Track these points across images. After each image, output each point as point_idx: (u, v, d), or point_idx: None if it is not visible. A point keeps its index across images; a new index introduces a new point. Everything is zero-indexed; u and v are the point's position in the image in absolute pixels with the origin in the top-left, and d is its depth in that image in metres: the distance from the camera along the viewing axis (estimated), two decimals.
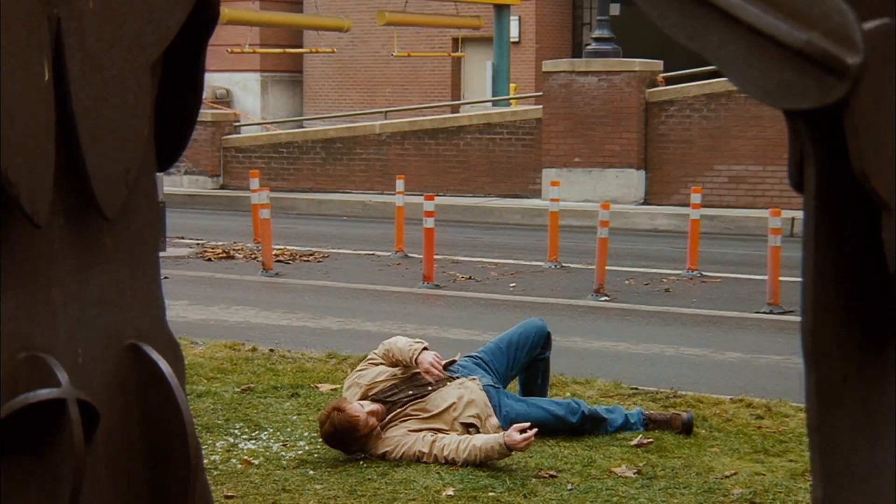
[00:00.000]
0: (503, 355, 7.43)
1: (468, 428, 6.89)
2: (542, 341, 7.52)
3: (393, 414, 6.89)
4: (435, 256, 14.03)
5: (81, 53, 2.78)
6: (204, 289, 13.44)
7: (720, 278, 14.21)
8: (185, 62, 3.14)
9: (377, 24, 29.58)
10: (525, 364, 7.50)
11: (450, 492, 6.27)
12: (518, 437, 6.50)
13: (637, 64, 21.41)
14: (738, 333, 11.10)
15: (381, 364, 7.09)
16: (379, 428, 6.81)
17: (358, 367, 7.26)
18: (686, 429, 7.27)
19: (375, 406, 6.83)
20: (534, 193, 21.87)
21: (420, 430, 6.85)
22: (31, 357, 2.74)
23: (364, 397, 6.97)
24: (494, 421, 6.97)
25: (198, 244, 17.09)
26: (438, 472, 6.56)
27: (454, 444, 6.71)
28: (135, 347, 3.01)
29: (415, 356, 6.95)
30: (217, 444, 7.08)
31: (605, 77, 21.28)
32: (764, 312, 12.01)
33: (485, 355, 7.43)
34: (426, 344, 7.09)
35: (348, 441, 6.76)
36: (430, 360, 6.95)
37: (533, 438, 6.52)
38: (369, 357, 7.21)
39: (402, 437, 6.82)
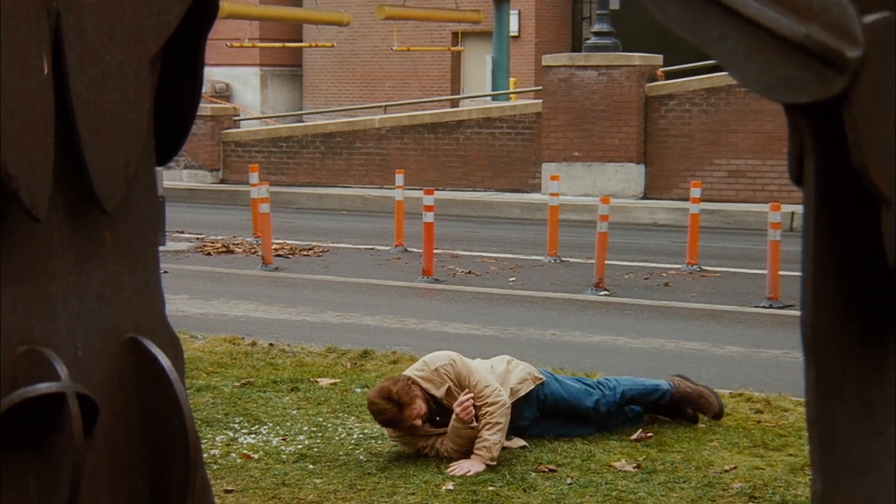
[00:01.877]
0: (555, 409, 7.26)
1: None
2: (586, 422, 7.27)
3: (427, 429, 6.84)
4: (434, 251, 14.02)
5: (80, 47, 2.78)
6: (203, 283, 13.44)
7: (720, 272, 14.21)
8: (185, 56, 3.14)
9: (377, 18, 29.57)
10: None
11: (449, 486, 6.27)
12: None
13: (637, 58, 21.39)
14: (737, 328, 11.10)
15: (455, 382, 6.85)
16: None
17: (460, 357, 6.93)
18: (717, 415, 7.34)
19: (420, 420, 6.74)
20: (533, 188, 21.87)
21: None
22: (31, 351, 2.74)
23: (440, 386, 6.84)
24: None
25: (197, 238, 17.09)
26: (438, 467, 6.57)
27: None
28: (134, 341, 3.00)
29: (480, 450, 6.62)
30: (217, 439, 7.09)
31: (604, 71, 21.27)
32: (763, 307, 12.01)
33: (549, 398, 7.15)
34: (494, 453, 6.64)
35: (383, 422, 6.78)
36: (463, 472, 6.55)
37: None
38: (474, 368, 6.87)
39: (414, 438, 6.82)
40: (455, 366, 6.85)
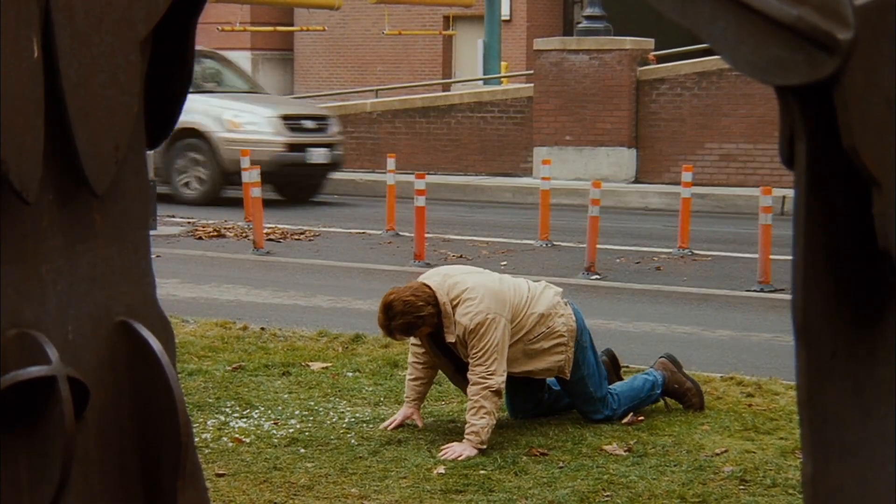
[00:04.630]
0: (552, 401, 7.27)
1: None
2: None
3: (431, 351, 6.88)
4: (426, 235, 14.02)
5: (70, 30, 2.77)
6: (195, 267, 13.43)
7: (711, 256, 14.23)
8: (175, 39, 3.13)
9: (368, 2, 29.55)
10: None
11: (441, 470, 6.28)
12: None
13: (628, 42, 21.39)
14: (728, 311, 11.12)
15: (462, 340, 6.74)
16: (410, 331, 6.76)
17: (490, 320, 6.65)
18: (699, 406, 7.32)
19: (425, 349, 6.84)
20: (525, 172, 21.87)
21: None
22: (21, 334, 2.74)
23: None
24: None
25: (189, 223, 17.07)
26: (429, 451, 6.57)
27: None
28: (125, 325, 3.00)
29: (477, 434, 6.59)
30: (208, 423, 7.09)
31: (596, 55, 21.26)
32: (754, 290, 12.03)
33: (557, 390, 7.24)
34: (483, 437, 6.63)
35: (387, 314, 6.70)
36: (454, 456, 6.55)
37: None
38: (489, 339, 6.63)
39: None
40: (468, 328, 6.64)
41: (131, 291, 3.04)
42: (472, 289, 6.75)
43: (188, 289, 11.96)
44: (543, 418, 7.14)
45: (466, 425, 6.61)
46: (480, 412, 6.59)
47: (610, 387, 7.21)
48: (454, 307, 6.68)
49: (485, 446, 6.55)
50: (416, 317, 6.61)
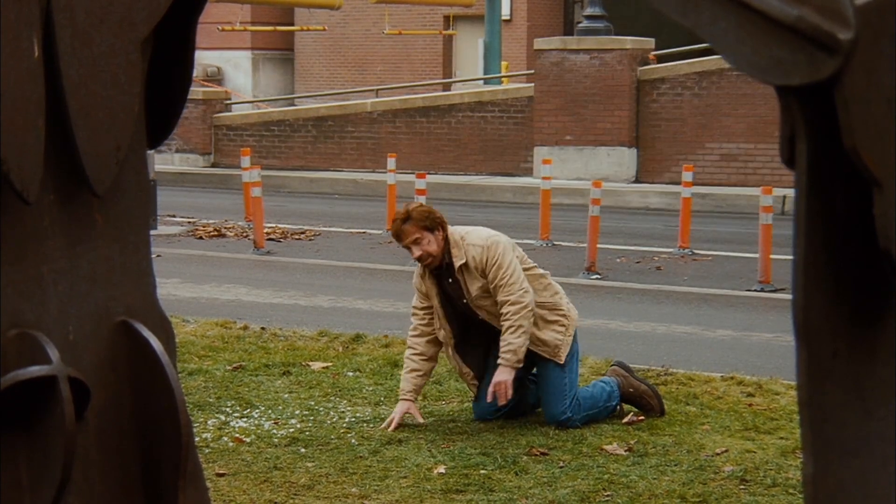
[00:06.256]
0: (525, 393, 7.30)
1: None
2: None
3: (442, 306, 7.00)
4: None
5: (71, 29, 2.77)
6: (195, 267, 13.43)
7: (711, 256, 14.22)
8: (176, 39, 3.13)
9: (368, 2, 29.53)
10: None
11: (441, 469, 6.28)
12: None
13: (629, 42, 21.38)
14: (729, 311, 11.12)
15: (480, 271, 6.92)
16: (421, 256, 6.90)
17: (505, 253, 6.97)
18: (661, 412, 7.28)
19: (419, 254, 6.90)
20: (525, 171, 21.85)
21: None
22: (22, 334, 2.74)
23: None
24: None
25: (189, 222, 17.07)
26: (430, 450, 6.58)
27: None
28: (126, 324, 3.00)
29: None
30: (209, 422, 7.09)
31: (596, 55, 21.25)
32: (755, 290, 12.03)
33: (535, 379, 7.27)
34: (520, 356, 6.90)
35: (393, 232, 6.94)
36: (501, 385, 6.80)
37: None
38: (513, 266, 6.90)
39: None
40: (485, 247, 6.92)
41: (132, 291, 3.04)
42: (478, 230, 7.12)
43: (188, 288, 11.96)
44: (543, 416, 7.13)
45: (503, 345, 6.77)
46: (518, 331, 6.80)
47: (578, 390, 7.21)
48: (462, 238, 6.98)
49: (521, 365, 6.80)
50: (431, 212, 6.92)
